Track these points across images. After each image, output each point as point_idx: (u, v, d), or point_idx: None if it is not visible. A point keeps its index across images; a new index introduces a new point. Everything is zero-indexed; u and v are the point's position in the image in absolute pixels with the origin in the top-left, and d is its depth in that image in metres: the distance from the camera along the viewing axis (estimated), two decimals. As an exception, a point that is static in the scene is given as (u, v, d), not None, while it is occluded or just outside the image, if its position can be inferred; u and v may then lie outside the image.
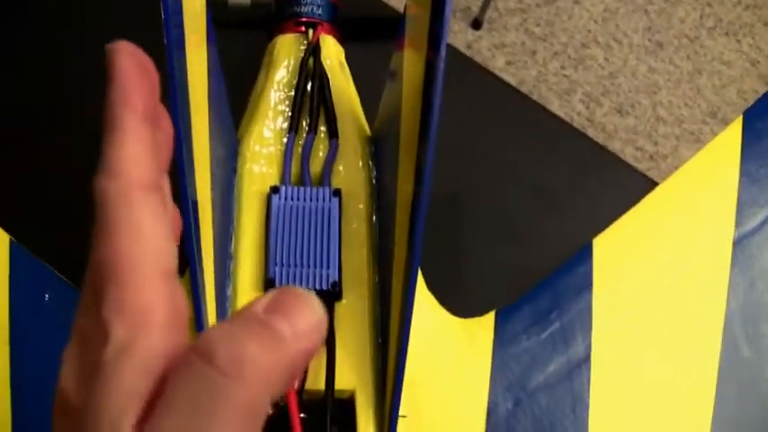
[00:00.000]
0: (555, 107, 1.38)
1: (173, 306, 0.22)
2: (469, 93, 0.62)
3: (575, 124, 1.36)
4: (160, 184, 0.23)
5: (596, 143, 0.61)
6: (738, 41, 1.51)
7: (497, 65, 1.42)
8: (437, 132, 0.38)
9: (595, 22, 1.50)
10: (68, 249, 0.52)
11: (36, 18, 0.74)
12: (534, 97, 1.37)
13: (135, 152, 0.22)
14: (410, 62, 0.44)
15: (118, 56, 0.23)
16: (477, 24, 1.48)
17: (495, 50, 1.44)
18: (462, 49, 1.43)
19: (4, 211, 0.47)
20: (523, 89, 1.38)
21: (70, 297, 0.48)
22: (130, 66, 0.23)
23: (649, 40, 1.49)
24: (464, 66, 0.67)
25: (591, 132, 1.35)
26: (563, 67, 1.44)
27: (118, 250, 0.21)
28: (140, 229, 0.22)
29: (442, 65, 0.37)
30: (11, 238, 0.48)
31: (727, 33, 1.52)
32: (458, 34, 1.45)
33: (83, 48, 0.66)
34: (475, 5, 1.47)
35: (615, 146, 1.35)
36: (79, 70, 0.61)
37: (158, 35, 0.34)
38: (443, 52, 0.37)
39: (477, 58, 1.42)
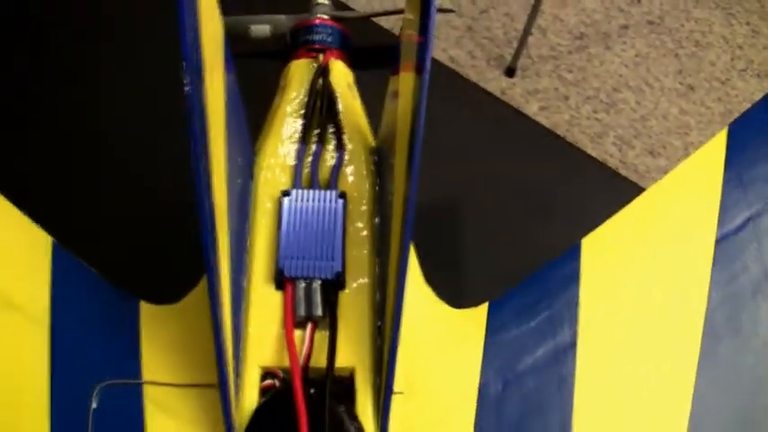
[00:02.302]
0: (588, 150, 1.42)
1: None
2: (481, 120, 0.68)
3: (608, 165, 1.40)
4: None
5: (607, 166, 0.66)
6: (771, 83, 1.54)
7: (531, 110, 1.47)
8: (429, 145, 0.43)
9: (626, 66, 1.55)
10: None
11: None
12: (568, 140, 1.42)
13: None
14: (405, 81, 0.50)
15: None
16: (510, 72, 1.53)
17: (529, 96, 1.50)
18: (497, 95, 1.49)
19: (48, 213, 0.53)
20: (557, 132, 1.43)
21: (109, 295, 0.53)
22: None
23: (680, 83, 1.53)
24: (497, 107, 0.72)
25: (623, 173, 1.39)
26: (595, 111, 1.48)
27: None
28: None
29: (426, 77, 0.42)
30: (53, 240, 0.54)
31: (758, 75, 1.55)
32: (491, 82, 1.50)
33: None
34: (508, 54, 1.53)
35: (647, 186, 1.38)
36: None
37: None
38: (428, 65, 0.42)
39: (512, 104, 1.47)
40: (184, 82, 0.41)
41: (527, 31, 1.51)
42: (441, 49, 1.52)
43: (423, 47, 0.43)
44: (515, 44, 1.53)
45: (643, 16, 1.61)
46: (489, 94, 0.73)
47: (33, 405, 0.49)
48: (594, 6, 1.62)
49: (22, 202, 0.54)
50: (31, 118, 0.72)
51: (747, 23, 1.62)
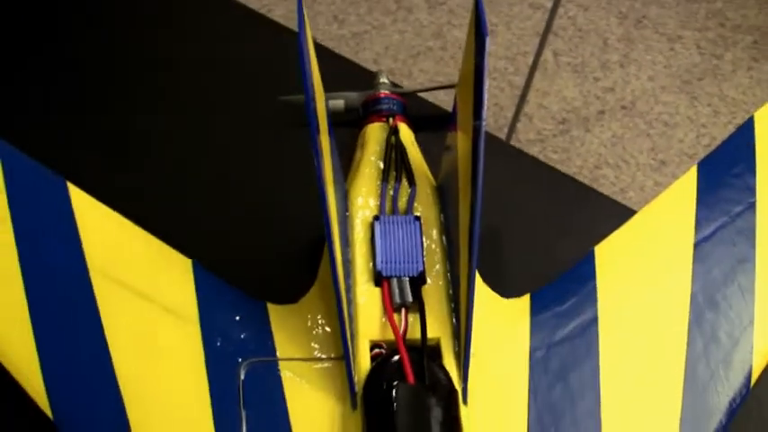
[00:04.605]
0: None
1: None
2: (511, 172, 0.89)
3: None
4: None
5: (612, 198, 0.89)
6: (734, 157, 1.78)
7: (523, 187, 1.70)
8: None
9: (605, 146, 1.78)
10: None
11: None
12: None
13: None
14: (462, 139, 0.70)
15: None
16: (502, 155, 1.76)
17: (520, 175, 1.72)
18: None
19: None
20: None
21: (242, 299, 0.71)
22: None
23: (653, 159, 1.76)
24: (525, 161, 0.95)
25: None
26: (580, 186, 1.71)
27: None
28: None
29: (482, 140, 0.62)
30: (193, 261, 0.72)
31: (721, 150, 1.80)
32: (486, 163, 1.73)
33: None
34: (499, 137, 1.76)
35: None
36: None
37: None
38: (482, 140, 0.62)
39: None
40: (312, 138, 0.61)
41: (516, 119, 1.74)
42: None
43: (477, 112, 0.63)
44: (506, 130, 1.76)
45: (617, 102, 1.86)
46: (524, 153, 0.96)
47: (195, 381, 0.66)
48: (574, 95, 1.87)
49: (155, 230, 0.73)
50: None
51: (709, 105, 1.87)
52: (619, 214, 0.77)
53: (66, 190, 0.73)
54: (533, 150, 1.76)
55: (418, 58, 1.91)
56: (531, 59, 1.67)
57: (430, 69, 1.89)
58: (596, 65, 1.92)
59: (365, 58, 1.88)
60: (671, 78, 1.91)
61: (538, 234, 0.85)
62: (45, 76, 1.01)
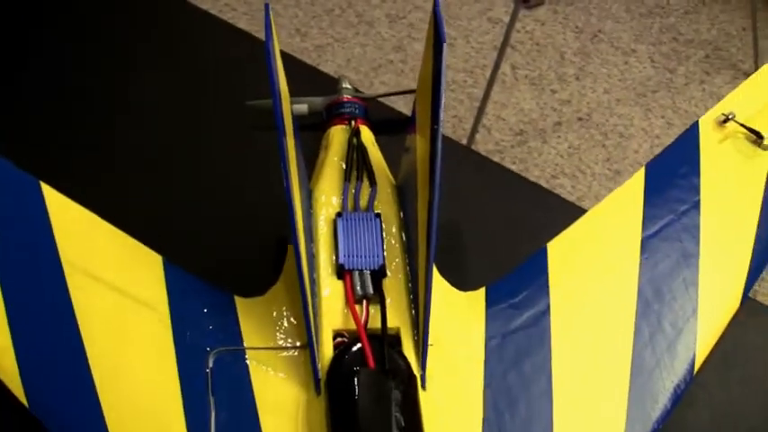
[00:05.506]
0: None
1: None
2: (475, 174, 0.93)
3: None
4: None
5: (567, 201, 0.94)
6: (686, 168, 1.85)
7: (482, 197, 1.75)
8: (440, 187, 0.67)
9: (562, 157, 1.83)
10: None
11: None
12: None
13: None
14: (420, 141, 0.74)
15: None
16: (461, 165, 1.81)
17: (479, 185, 1.77)
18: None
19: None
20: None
21: (210, 291, 0.75)
22: None
23: (608, 169, 1.82)
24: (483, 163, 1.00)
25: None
26: (538, 195, 1.76)
27: None
28: None
29: (440, 142, 0.66)
30: (163, 258, 0.75)
31: (674, 161, 1.86)
32: (446, 173, 1.78)
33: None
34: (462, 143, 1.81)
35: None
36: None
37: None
38: (440, 141, 0.66)
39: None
40: (278, 139, 0.65)
41: (474, 130, 1.79)
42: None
43: (435, 116, 0.67)
44: (465, 141, 1.81)
45: (573, 114, 1.92)
46: (482, 156, 1.01)
47: (166, 370, 0.69)
48: (531, 107, 1.92)
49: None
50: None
51: (662, 117, 1.94)
52: (575, 216, 0.81)
53: (39, 190, 0.76)
54: (493, 161, 1.81)
55: (379, 71, 1.96)
56: (489, 72, 1.72)
57: (391, 81, 1.94)
58: (553, 78, 1.98)
59: (327, 71, 1.92)
60: (626, 91, 1.97)
61: (495, 232, 0.90)
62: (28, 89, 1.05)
